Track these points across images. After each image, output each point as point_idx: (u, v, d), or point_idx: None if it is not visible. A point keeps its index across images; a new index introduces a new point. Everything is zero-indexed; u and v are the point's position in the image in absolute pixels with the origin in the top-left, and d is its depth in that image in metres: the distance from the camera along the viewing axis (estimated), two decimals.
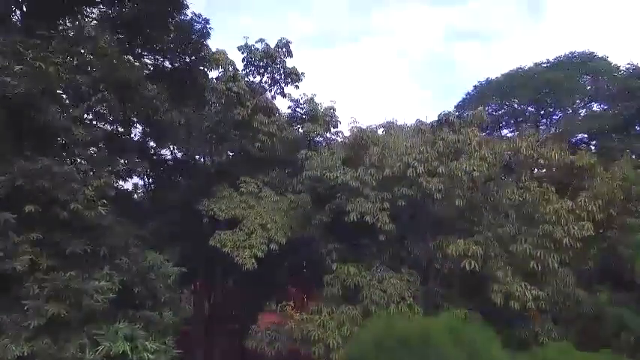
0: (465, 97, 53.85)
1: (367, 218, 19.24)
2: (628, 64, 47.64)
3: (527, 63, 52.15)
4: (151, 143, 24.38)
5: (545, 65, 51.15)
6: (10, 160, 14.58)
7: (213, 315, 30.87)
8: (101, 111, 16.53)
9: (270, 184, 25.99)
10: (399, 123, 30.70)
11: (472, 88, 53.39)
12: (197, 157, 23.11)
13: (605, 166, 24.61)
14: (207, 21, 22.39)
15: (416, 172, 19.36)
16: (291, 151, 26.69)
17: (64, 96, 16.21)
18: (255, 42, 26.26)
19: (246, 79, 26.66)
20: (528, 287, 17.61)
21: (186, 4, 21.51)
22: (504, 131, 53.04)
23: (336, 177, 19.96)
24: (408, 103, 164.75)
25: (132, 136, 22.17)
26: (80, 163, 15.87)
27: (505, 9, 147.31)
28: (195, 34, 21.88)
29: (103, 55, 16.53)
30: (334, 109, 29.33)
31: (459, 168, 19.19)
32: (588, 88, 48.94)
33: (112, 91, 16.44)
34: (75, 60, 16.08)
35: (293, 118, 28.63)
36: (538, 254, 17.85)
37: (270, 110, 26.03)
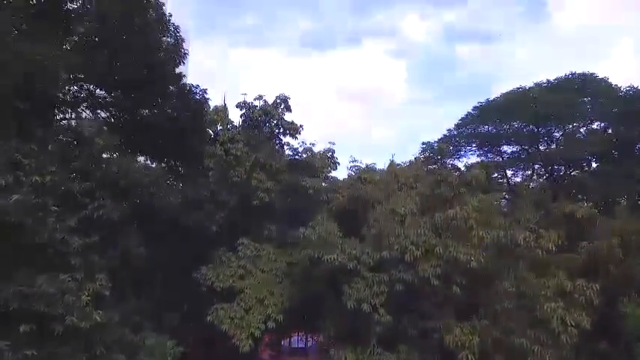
0: (465, 116, 53.33)
1: (364, 307, 18.99)
2: (628, 87, 47.11)
3: (528, 83, 51.43)
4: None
5: (545, 85, 50.53)
6: (6, 275, 14.37)
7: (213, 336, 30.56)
8: (98, 216, 16.13)
9: (269, 238, 25.73)
10: (397, 161, 30.61)
11: (472, 108, 52.83)
12: (193, 224, 22.73)
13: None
14: (205, 91, 22.30)
15: (413, 256, 19.09)
16: (291, 198, 26.48)
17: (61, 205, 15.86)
18: (254, 99, 26.04)
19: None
20: None
21: (183, 75, 21.39)
22: (505, 147, 52.71)
23: (334, 259, 19.64)
24: (408, 104, 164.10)
25: None
26: (76, 269, 15.57)
27: (506, 10, 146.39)
28: (194, 103, 21.72)
29: (100, 153, 16.32)
30: (333, 151, 29.23)
31: (456, 251, 18.92)
32: (588, 107, 48.40)
33: (109, 196, 16.20)
34: (72, 164, 15.84)
35: (292, 164, 28.24)
36: (535, 350, 17.65)
37: (270, 166, 25.59)
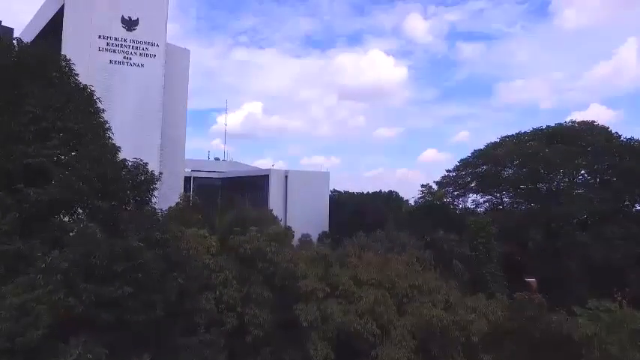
0: (467, 157, 52.54)
1: None
2: (629, 139, 46.10)
3: (526, 127, 50.64)
4: None
5: (546, 130, 49.39)
6: None
7: None
8: None
9: None
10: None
11: (472, 152, 51.97)
12: None
13: None
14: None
15: None
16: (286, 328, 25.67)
17: None
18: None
19: None
20: None
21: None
22: (505, 186, 51.79)
23: None
24: (410, 104, 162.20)
25: None
26: None
27: (509, 10, 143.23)
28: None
29: None
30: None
31: None
32: (588, 157, 47.23)
33: None
34: None
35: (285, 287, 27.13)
36: None
37: (263, 297, 24.64)
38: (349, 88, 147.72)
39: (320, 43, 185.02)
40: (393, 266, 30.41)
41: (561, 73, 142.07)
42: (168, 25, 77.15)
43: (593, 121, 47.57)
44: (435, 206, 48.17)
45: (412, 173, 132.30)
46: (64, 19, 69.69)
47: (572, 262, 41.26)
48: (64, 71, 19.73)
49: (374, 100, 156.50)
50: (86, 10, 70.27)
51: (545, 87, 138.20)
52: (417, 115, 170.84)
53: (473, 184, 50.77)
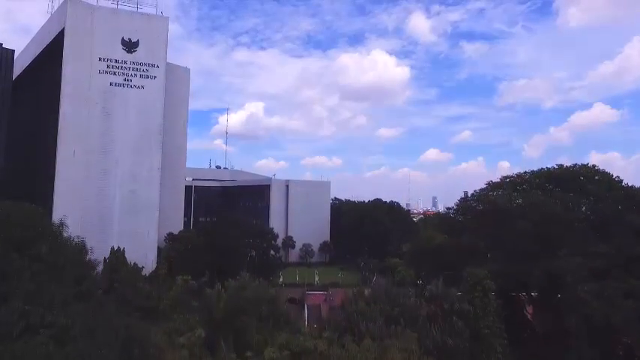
0: (466, 197, 51.17)
1: None
2: (630, 186, 44.60)
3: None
4: None
5: (546, 171, 47.83)
6: None
7: None
8: None
9: None
10: None
11: (471, 194, 50.46)
12: None
13: None
14: None
15: None
16: None
17: None
18: None
19: None
20: None
21: None
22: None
23: None
24: (412, 103, 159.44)
25: None
26: None
27: (512, 9, 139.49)
28: None
29: None
30: None
31: None
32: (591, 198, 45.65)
33: None
34: None
35: None
36: None
37: None
38: (351, 88, 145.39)
39: (321, 43, 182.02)
40: (390, 357, 29.55)
41: (564, 73, 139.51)
42: (169, 26, 75.14)
43: (594, 165, 46.03)
44: (434, 251, 46.90)
45: (414, 173, 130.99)
46: (64, 41, 67.57)
47: (572, 318, 40.15)
48: (54, 244, 18.33)
49: (376, 100, 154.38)
50: (86, 33, 67.96)
51: (548, 86, 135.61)
52: (419, 114, 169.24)
53: (473, 226, 49.31)
